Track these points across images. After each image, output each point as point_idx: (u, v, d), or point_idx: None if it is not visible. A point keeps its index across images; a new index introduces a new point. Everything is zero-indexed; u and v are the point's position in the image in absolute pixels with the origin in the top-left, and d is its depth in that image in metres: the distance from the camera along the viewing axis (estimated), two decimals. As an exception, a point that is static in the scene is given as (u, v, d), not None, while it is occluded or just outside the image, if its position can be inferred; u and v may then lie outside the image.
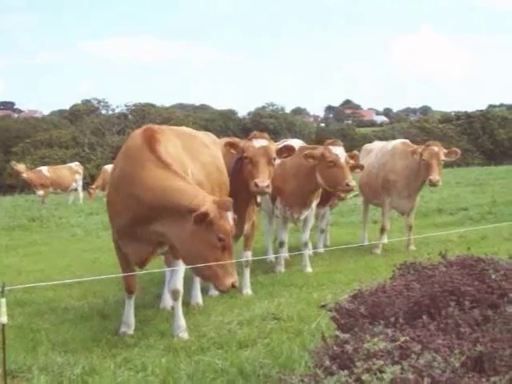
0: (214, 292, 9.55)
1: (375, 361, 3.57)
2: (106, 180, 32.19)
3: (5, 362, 5.05)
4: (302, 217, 11.39)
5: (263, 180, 8.83)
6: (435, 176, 12.27)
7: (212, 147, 8.93)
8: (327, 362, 3.70)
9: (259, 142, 9.23)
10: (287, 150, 9.60)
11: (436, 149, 12.49)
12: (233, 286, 6.51)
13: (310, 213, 11.55)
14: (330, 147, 10.67)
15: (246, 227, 9.62)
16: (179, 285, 7.44)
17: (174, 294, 7.47)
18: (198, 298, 8.97)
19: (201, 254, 6.55)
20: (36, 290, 9.69)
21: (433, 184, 12.44)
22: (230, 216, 6.55)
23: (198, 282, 9.04)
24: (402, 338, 3.81)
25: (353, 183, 10.72)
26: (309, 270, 11.31)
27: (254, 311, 8.03)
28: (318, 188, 11.17)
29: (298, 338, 6.53)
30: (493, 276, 4.73)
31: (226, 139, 10.19)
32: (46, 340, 7.23)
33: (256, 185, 8.84)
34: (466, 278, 4.64)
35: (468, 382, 3.43)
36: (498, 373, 3.58)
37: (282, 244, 11.39)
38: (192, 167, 7.73)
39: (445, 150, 12.61)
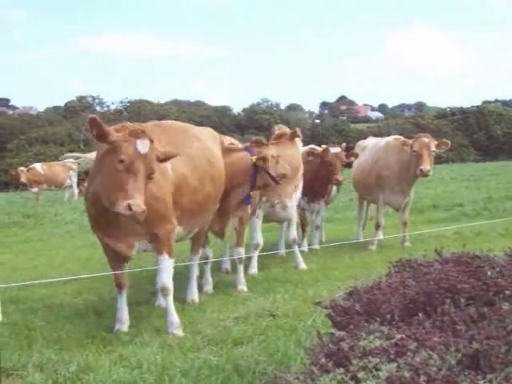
0: (208, 289, 9.57)
1: (371, 358, 3.56)
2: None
3: (-1, 359, 5.04)
4: (295, 204, 11.41)
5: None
6: (426, 166, 12.29)
7: (205, 140, 8.80)
8: (323, 360, 3.69)
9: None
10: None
11: (426, 140, 12.57)
12: (129, 208, 6.29)
13: (292, 209, 11.48)
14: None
15: (234, 224, 9.65)
16: (167, 281, 7.40)
17: (163, 291, 7.47)
18: (193, 294, 8.95)
19: (106, 180, 6.67)
20: (30, 287, 9.67)
21: (424, 174, 12.45)
22: (144, 143, 6.57)
23: (194, 279, 9.04)
24: (398, 336, 3.81)
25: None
26: (303, 266, 11.27)
27: (249, 308, 8.02)
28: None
29: (293, 335, 6.49)
30: (488, 273, 4.72)
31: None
32: (40, 337, 7.18)
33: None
34: (462, 275, 4.63)
35: (464, 379, 3.43)
36: (493, 370, 3.57)
37: (257, 246, 11.08)
38: (174, 161, 7.53)
39: (435, 142, 12.65)
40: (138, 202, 6.27)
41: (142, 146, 6.52)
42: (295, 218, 11.72)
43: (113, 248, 7.40)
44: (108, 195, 6.60)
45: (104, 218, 7.12)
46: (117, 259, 7.63)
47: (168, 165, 7.51)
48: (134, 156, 6.45)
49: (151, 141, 6.67)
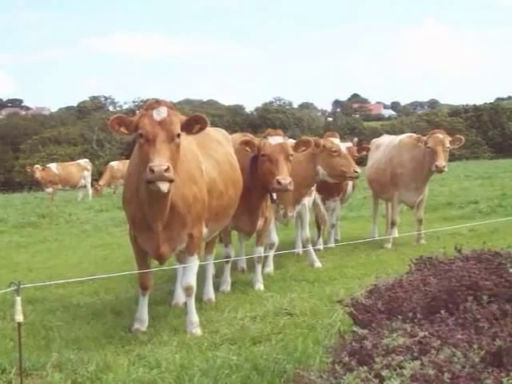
0: (225, 288, 9.56)
1: (395, 356, 3.55)
2: (113, 176, 32.35)
3: (20, 359, 5.04)
4: (295, 214, 11.29)
5: (285, 177, 8.76)
6: (441, 162, 12.28)
7: (225, 144, 8.93)
8: (346, 358, 3.68)
9: (275, 139, 9.17)
10: (304, 144, 9.57)
11: (441, 136, 12.57)
12: (151, 170, 6.23)
13: (304, 209, 11.45)
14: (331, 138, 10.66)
15: (260, 223, 9.58)
16: (192, 281, 7.44)
17: (188, 290, 7.46)
18: (210, 293, 8.94)
19: (139, 161, 6.71)
20: (47, 287, 9.66)
21: (439, 170, 12.42)
22: (160, 111, 6.57)
23: (210, 278, 9.04)
24: (421, 334, 3.79)
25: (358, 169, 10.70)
26: (318, 265, 11.24)
27: (267, 307, 8.00)
28: (313, 183, 11.16)
29: (311, 333, 6.49)
30: (510, 270, 4.70)
31: (238, 135, 10.15)
32: (58, 337, 7.21)
33: (279, 182, 8.76)
34: (484, 273, 4.62)
35: (487, 376, 3.41)
36: (517, 367, 3.56)
37: (273, 245, 11.02)
38: (206, 164, 7.75)
39: (449, 138, 12.63)
40: (157, 163, 6.24)
41: (158, 113, 6.53)
42: (307, 218, 11.68)
43: (154, 252, 7.39)
44: (140, 173, 6.62)
45: (146, 223, 7.14)
46: (146, 261, 7.65)
47: (203, 167, 7.63)
48: (150, 125, 6.47)
49: (170, 107, 6.69)
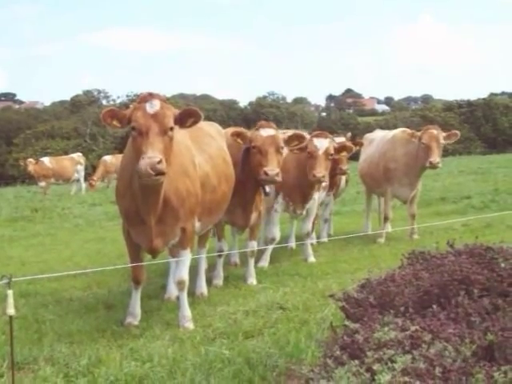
0: (218, 282, 9.55)
1: (386, 350, 3.55)
2: (107, 170, 32.31)
3: (12, 353, 5.02)
4: (304, 212, 11.28)
5: (273, 168, 8.73)
6: (435, 158, 12.29)
7: (218, 138, 8.91)
8: (337, 352, 3.68)
9: (267, 132, 9.13)
10: (297, 138, 9.51)
11: (435, 131, 12.59)
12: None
13: (313, 203, 11.43)
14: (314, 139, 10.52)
15: (253, 217, 9.56)
16: (185, 275, 7.43)
17: (180, 285, 7.45)
18: (202, 288, 8.94)
19: (134, 154, 6.67)
20: (40, 281, 9.65)
21: (433, 166, 12.45)
22: (153, 104, 6.56)
23: (203, 272, 9.03)
24: (413, 328, 3.79)
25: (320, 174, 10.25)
26: (312, 259, 11.26)
27: (259, 301, 8.01)
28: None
29: (304, 327, 6.50)
30: (502, 265, 4.71)
31: (231, 129, 10.12)
32: (51, 331, 7.19)
33: (266, 173, 8.73)
34: (476, 267, 4.63)
35: (479, 371, 3.42)
36: (508, 362, 3.57)
37: (273, 240, 10.99)
38: (199, 158, 7.75)
39: (444, 134, 12.63)
40: (150, 155, 6.24)
41: (151, 106, 6.53)
42: (314, 213, 11.68)
43: (147, 246, 7.38)
44: (133, 167, 6.58)
45: (139, 217, 7.13)
46: (139, 255, 7.63)
47: (196, 161, 7.64)
48: (143, 118, 6.47)
49: (163, 100, 6.69)
